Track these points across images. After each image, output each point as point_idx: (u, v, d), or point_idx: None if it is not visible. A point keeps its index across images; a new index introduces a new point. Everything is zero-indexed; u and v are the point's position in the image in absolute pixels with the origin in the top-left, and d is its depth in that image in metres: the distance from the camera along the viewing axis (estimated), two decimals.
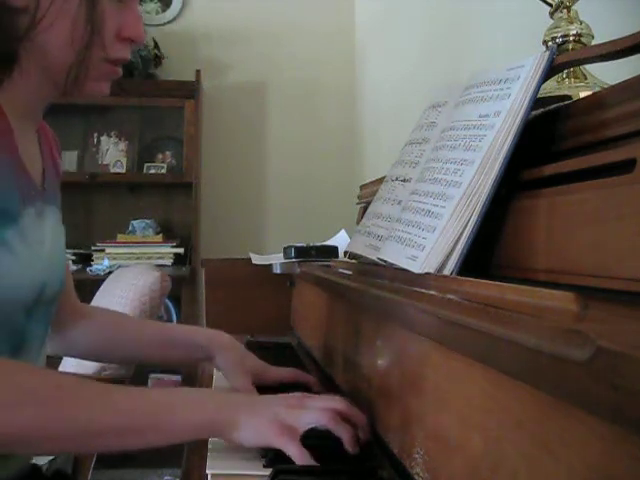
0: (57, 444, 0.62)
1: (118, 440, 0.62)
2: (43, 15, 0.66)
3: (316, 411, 0.67)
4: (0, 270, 0.67)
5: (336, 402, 0.69)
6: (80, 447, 0.68)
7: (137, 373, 1.79)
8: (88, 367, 1.52)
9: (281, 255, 1.42)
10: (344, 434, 0.64)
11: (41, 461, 0.97)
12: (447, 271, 0.59)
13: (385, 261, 0.71)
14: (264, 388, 0.88)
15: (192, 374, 1.10)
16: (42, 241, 0.76)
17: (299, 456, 0.62)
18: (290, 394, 0.72)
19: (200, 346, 0.94)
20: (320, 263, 1.19)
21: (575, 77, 0.80)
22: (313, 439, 0.64)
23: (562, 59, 0.63)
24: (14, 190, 0.71)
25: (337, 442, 0.64)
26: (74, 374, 1.09)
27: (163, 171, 2.80)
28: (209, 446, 0.69)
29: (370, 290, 0.69)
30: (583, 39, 0.80)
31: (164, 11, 2.93)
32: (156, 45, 2.80)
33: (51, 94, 0.76)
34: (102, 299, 1.70)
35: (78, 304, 1.00)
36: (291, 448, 0.63)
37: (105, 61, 0.73)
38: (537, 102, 0.61)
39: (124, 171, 2.78)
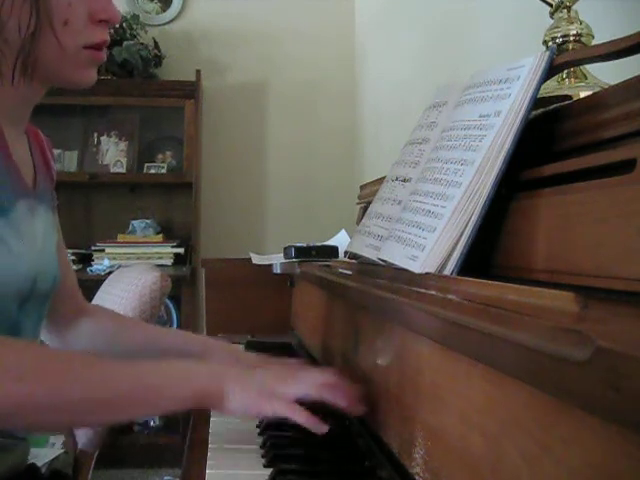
0: (45, 417, 0.62)
1: (107, 412, 0.63)
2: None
3: (306, 383, 0.67)
4: None
5: (327, 375, 0.70)
6: (67, 420, 0.68)
7: None
8: None
9: (281, 255, 1.42)
10: (338, 399, 0.65)
11: (40, 461, 0.97)
12: (447, 271, 0.59)
13: (385, 261, 0.71)
14: None
15: None
16: (33, 235, 0.77)
17: (299, 415, 0.63)
18: (281, 366, 0.73)
19: (195, 350, 0.94)
20: (320, 263, 1.19)
21: (575, 77, 0.80)
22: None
23: (562, 59, 0.63)
24: (6, 183, 0.72)
25: (328, 417, 0.65)
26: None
27: (163, 171, 2.80)
28: (209, 446, 0.69)
29: (370, 290, 0.69)
30: (583, 39, 0.80)
31: (164, 11, 2.93)
32: (156, 45, 2.80)
33: (33, 92, 0.75)
34: (102, 299, 1.70)
35: (82, 303, 1.01)
36: (286, 410, 0.64)
37: (83, 48, 0.72)
38: (537, 102, 0.61)
39: (124, 171, 2.78)
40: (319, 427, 0.64)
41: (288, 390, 0.67)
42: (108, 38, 0.75)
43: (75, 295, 0.99)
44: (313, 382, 0.68)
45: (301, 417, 0.64)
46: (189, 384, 0.66)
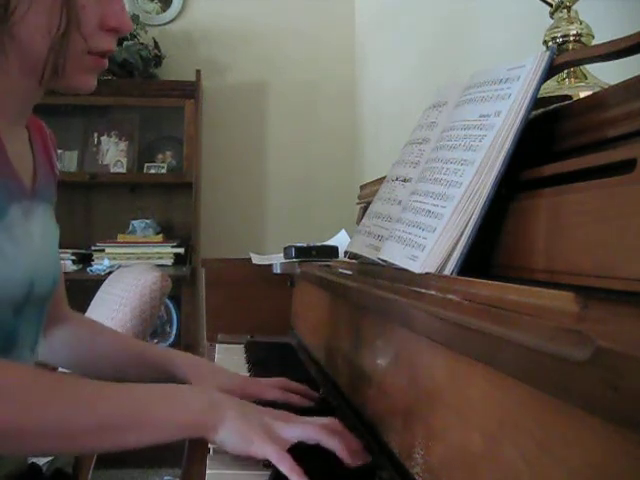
0: (33, 444, 0.58)
1: (97, 440, 0.59)
2: (15, 6, 0.65)
3: (305, 425, 0.64)
4: None
5: (331, 421, 0.66)
6: (59, 448, 0.63)
7: None
8: None
9: (281, 255, 1.42)
10: (336, 445, 0.60)
11: (41, 461, 0.97)
12: (447, 271, 0.59)
13: (385, 261, 0.71)
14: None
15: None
16: (29, 238, 0.75)
17: (284, 465, 0.58)
18: (279, 411, 0.68)
19: (177, 371, 0.88)
20: (320, 263, 1.19)
21: (575, 77, 0.80)
22: (300, 453, 0.59)
23: (562, 59, 0.63)
24: (1, 187, 0.70)
25: (327, 460, 0.60)
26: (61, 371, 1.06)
27: (163, 171, 2.80)
28: (209, 446, 0.69)
29: (370, 290, 0.69)
30: (583, 39, 0.80)
31: (164, 11, 2.93)
32: (156, 45, 2.80)
33: (34, 90, 0.74)
34: (102, 299, 1.70)
35: (65, 309, 0.98)
36: (274, 456, 0.59)
37: (88, 53, 0.70)
38: (537, 102, 0.61)
39: (124, 171, 2.78)
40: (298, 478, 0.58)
41: (286, 431, 0.63)
42: (115, 47, 0.73)
43: (61, 301, 0.96)
44: (315, 425, 0.63)
45: (285, 467, 0.58)
46: (187, 412, 0.63)
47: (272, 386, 0.84)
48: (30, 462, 0.88)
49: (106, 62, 0.73)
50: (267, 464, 0.63)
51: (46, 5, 0.66)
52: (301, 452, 0.60)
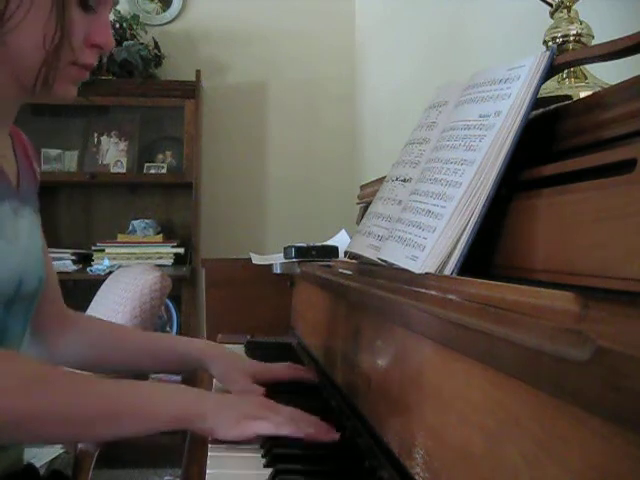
0: (34, 432, 0.63)
1: (97, 428, 0.65)
2: (11, 15, 0.67)
3: (284, 414, 0.70)
4: None
5: (295, 413, 0.72)
6: (59, 435, 0.70)
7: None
8: None
9: (281, 255, 1.42)
10: (308, 431, 0.68)
11: (40, 461, 0.97)
12: (447, 271, 0.59)
13: (385, 261, 0.71)
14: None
15: (192, 373, 1.10)
16: (17, 237, 0.77)
17: (287, 429, 0.67)
18: (253, 397, 0.77)
19: (192, 357, 0.94)
20: (320, 263, 1.19)
21: (575, 77, 0.80)
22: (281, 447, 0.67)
23: (562, 59, 0.63)
24: None
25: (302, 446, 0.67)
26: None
27: (163, 171, 2.80)
28: (209, 446, 0.69)
29: (370, 290, 0.69)
30: (583, 39, 0.80)
31: (164, 11, 2.94)
32: (156, 45, 2.80)
33: (19, 96, 0.77)
34: (102, 299, 1.70)
35: (66, 311, 0.99)
36: (272, 427, 0.67)
37: (73, 65, 0.74)
38: (537, 102, 0.61)
39: (124, 171, 2.78)
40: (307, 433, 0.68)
41: (269, 416, 0.69)
42: (96, 62, 0.77)
43: (57, 300, 0.97)
44: (290, 414, 0.71)
45: (288, 430, 0.67)
46: (180, 403, 0.69)
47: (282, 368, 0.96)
48: (27, 462, 0.88)
49: (87, 74, 0.77)
50: (267, 464, 0.63)
51: (41, 16, 0.69)
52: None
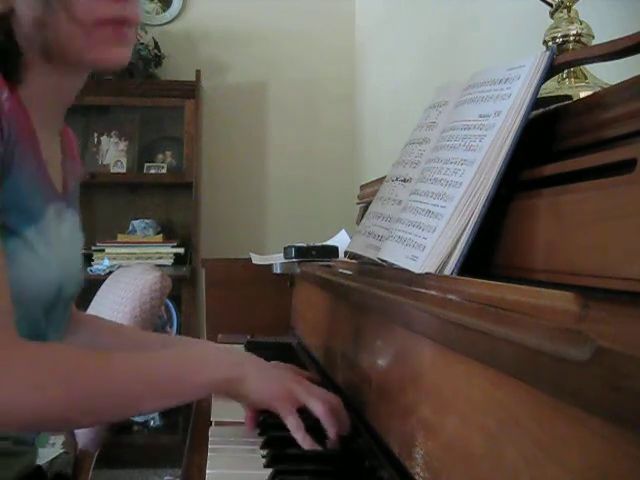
0: (91, 415, 0.65)
1: (147, 402, 0.66)
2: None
3: (317, 398, 0.70)
4: (22, 268, 0.68)
5: (333, 398, 0.72)
6: (115, 413, 0.70)
7: None
8: None
9: (281, 255, 1.42)
10: (332, 430, 0.68)
11: (41, 461, 0.97)
12: (447, 271, 0.59)
13: (385, 261, 0.71)
14: None
15: None
16: (60, 241, 0.77)
17: (296, 427, 0.67)
18: (289, 372, 0.77)
19: None
20: (320, 263, 1.19)
21: (575, 77, 0.80)
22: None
23: (562, 59, 0.63)
24: (37, 191, 0.72)
25: (319, 431, 0.69)
26: None
27: (163, 171, 2.80)
28: (209, 446, 0.69)
29: (370, 290, 0.69)
30: (583, 39, 0.80)
31: (164, 11, 2.93)
32: (156, 45, 2.80)
33: (63, 82, 0.73)
34: (102, 299, 1.70)
35: (76, 312, 0.99)
36: (290, 418, 0.68)
37: (98, 25, 0.67)
38: (537, 102, 0.61)
39: (124, 171, 2.78)
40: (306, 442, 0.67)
41: (302, 395, 0.70)
42: (129, 15, 0.69)
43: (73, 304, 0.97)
44: (323, 400, 0.70)
45: (299, 436, 0.67)
46: (219, 370, 0.70)
47: None
48: (36, 465, 0.88)
49: (128, 32, 0.70)
50: (267, 464, 0.63)
51: None
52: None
